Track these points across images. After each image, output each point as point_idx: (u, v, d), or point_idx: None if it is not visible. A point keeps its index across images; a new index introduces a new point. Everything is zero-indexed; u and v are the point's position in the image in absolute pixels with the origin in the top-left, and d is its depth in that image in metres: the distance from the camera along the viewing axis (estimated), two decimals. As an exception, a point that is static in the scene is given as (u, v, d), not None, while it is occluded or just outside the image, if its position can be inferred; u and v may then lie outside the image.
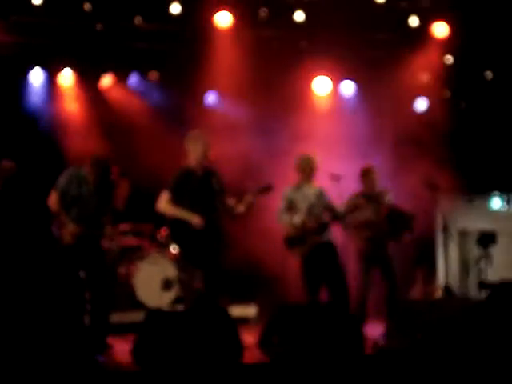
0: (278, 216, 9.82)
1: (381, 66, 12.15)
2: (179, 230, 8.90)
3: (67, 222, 8.86)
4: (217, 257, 8.91)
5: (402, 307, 9.37)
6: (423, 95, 12.68)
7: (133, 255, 11.37)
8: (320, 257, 9.62)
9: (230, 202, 9.01)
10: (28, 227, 9.67)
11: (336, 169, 10.06)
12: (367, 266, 10.22)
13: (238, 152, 11.06)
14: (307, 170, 9.78)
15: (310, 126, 11.79)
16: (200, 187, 8.88)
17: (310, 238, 9.63)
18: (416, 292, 11.58)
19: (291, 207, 9.76)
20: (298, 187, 9.83)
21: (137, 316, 9.56)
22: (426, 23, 11.91)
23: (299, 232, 9.65)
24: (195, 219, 8.74)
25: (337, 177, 9.88)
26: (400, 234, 10.18)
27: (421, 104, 12.72)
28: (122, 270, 11.27)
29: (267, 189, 9.07)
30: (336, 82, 12.75)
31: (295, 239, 9.66)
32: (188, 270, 9.41)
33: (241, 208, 8.99)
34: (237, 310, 10.53)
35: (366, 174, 10.29)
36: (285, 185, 9.93)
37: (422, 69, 12.44)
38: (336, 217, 9.71)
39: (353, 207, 9.90)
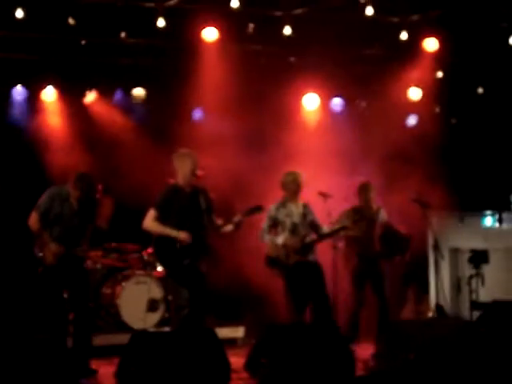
0: (260, 234, 9.72)
1: (370, 82, 12.11)
2: (165, 248, 8.81)
3: (49, 242, 8.69)
4: (203, 275, 8.85)
5: (393, 327, 9.20)
6: (414, 111, 12.56)
7: (118, 275, 11.15)
8: (303, 277, 9.50)
9: (218, 220, 8.97)
10: (9, 248, 9.41)
11: (326, 185, 9.97)
12: (359, 284, 10.13)
13: (227, 168, 10.94)
14: (292, 187, 9.66)
15: (300, 142, 11.69)
16: (188, 205, 8.83)
17: (293, 258, 9.52)
18: (407, 311, 11.47)
19: (275, 225, 9.66)
20: (283, 205, 9.71)
21: (121, 338, 9.33)
22: (416, 38, 11.77)
23: (281, 252, 9.54)
24: (182, 235, 8.69)
25: (326, 195, 9.76)
26: (393, 255, 10.08)
27: (411, 120, 12.61)
28: (106, 290, 11.05)
29: (256, 209, 9.05)
30: (325, 97, 12.67)
31: (277, 259, 9.56)
32: (174, 290, 9.21)
33: (229, 227, 8.97)
34: (224, 331, 10.42)
35: (362, 190, 10.22)
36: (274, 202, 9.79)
37: (413, 84, 12.34)
38: (321, 236, 9.61)
39: (347, 224, 9.79)
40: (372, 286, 10.11)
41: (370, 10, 11.13)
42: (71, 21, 10.93)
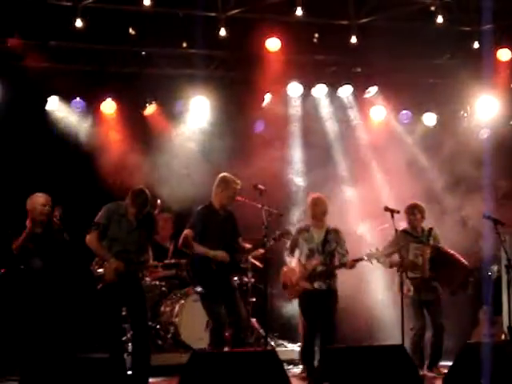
0: (285, 253, 9.69)
1: (440, 92, 11.82)
2: (201, 268, 8.92)
3: (109, 259, 8.48)
4: (234, 291, 9.12)
5: (464, 350, 8.76)
6: (487, 123, 12.12)
7: (176, 293, 10.92)
8: (311, 304, 9.43)
9: (246, 244, 9.19)
10: (67, 268, 9.25)
11: (393, 200, 9.91)
12: (417, 309, 9.79)
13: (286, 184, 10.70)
14: (317, 212, 9.50)
15: (366, 155, 11.55)
16: (221, 227, 9.00)
17: (302, 284, 9.42)
18: (479, 334, 11.02)
19: (295, 247, 9.57)
20: (306, 229, 9.57)
21: (181, 357, 9.16)
22: (489, 47, 11.37)
23: (293, 276, 9.50)
24: (220, 254, 8.86)
25: (392, 211, 9.43)
26: (450, 283, 9.66)
27: (484, 132, 12.17)
28: (165, 308, 10.81)
29: (285, 234, 9.26)
30: (392, 109, 12.34)
31: (287, 283, 9.58)
32: (210, 310, 9.05)
33: (259, 252, 9.32)
34: (286, 352, 10.28)
35: (409, 212, 9.81)
36: None
37: (485, 95, 11.93)
38: (341, 265, 9.46)
39: (395, 248, 9.53)
40: (428, 312, 9.80)
41: (440, 19, 10.82)
42: (132, 31, 10.80)
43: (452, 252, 9.77)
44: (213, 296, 8.95)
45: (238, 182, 9.06)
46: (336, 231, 9.52)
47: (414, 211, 9.84)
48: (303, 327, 9.65)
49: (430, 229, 9.90)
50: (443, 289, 9.86)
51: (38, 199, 8.95)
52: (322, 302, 9.37)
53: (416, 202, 9.93)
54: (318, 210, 9.47)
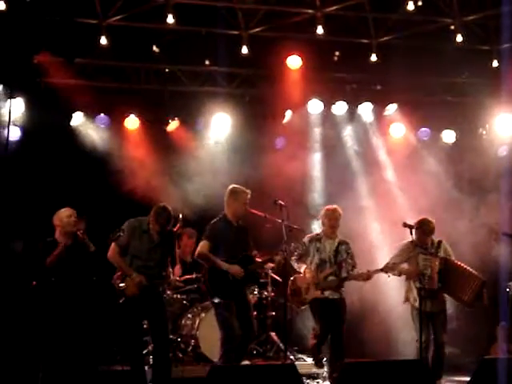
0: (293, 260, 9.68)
1: (460, 110, 11.76)
2: (218, 279, 8.90)
3: (131, 273, 8.60)
4: (249, 305, 9.07)
5: (481, 365, 8.79)
6: (505, 141, 12.15)
7: (197, 306, 10.98)
8: (320, 313, 9.43)
9: (258, 258, 9.16)
10: (92, 280, 9.35)
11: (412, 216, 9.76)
12: (423, 320, 9.50)
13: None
14: (332, 223, 9.55)
15: (385, 172, 11.54)
16: (235, 238, 9.01)
17: (312, 293, 9.45)
18: (496, 350, 11.00)
19: (305, 256, 9.57)
20: (318, 239, 9.62)
21: (201, 370, 9.26)
22: (508, 66, 11.40)
23: (303, 284, 9.51)
24: (235, 268, 8.85)
25: (411, 226, 9.43)
26: (463, 294, 9.64)
27: (503, 150, 12.20)
28: (186, 321, 10.89)
29: (296, 248, 9.24)
30: (412, 127, 12.39)
31: (296, 290, 9.58)
32: (225, 323, 9.07)
33: (269, 265, 9.46)
34: (306, 366, 10.20)
35: (419, 225, 9.81)
36: None
37: (503, 113, 11.97)
38: (341, 279, 9.49)
39: (403, 258, 9.55)
40: (431, 323, 9.65)
41: (459, 38, 10.89)
42: (155, 49, 10.94)
43: (462, 264, 9.75)
44: (228, 307, 8.94)
45: (248, 191, 9.08)
46: (347, 243, 9.61)
47: (422, 226, 9.78)
48: (316, 332, 9.56)
49: (440, 241, 9.84)
50: (457, 301, 9.84)
51: (64, 212, 9.08)
52: (333, 310, 9.41)
53: (424, 218, 9.83)
54: (333, 221, 9.53)
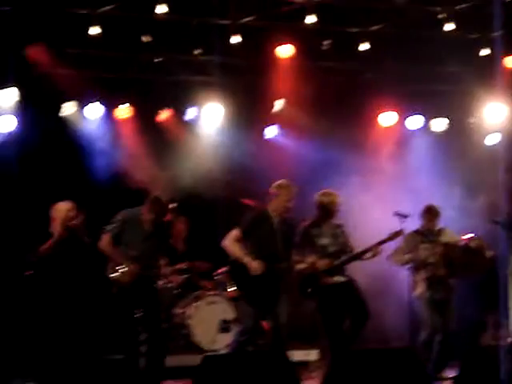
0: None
1: (449, 99, 11.82)
2: (239, 271, 8.82)
3: (124, 262, 8.64)
4: (274, 304, 8.87)
5: (472, 353, 8.85)
6: (495, 129, 12.20)
7: (189, 296, 11.03)
8: (335, 300, 9.29)
9: (295, 257, 9.10)
10: (83, 272, 9.40)
11: (403, 205, 9.78)
12: (431, 310, 9.75)
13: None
14: (328, 207, 9.40)
15: (376, 161, 11.54)
16: (272, 234, 8.85)
17: (322, 280, 9.31)
18: (488, 338, 11.08)
19: (307, 243, 9.38)
20: (317, 224, 9.45)
21: (193, 359, 9.16)
22: (498, 55, 11.43)
23: (309, 272, 9.32)
24: (254, 264, 8.70)
25: (402, 215, 9.53)
26: (474, 271, 9.72)
27: (492, 138, 12.25)
28: (178, 310, 10.93)
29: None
30: (402, 115, 12.42)
31: (306, 281, 9.37)
32: (243, 314, 9.08)
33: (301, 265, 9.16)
34: (297, 354, 10.16)
35: (425, 212, 9.88)
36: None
37: (493, 102, 12.00)
38: (353, 258, 9.40)
39: (405, 250, 9.63)
40: (439, 313, 9.74)
41: (449, 26, 10.90)
42: (146, 38, 10.94)
43: (467, 243, 9.80)
44: (249, 300, 8.91)
45: (294, 188, 8.95)
46: (342, 225, 9.54)
47: (426, 213, 9.90)
48: (322, 326, 9.47)
49: (440, 228, 9.94)
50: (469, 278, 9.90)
51: (64, 206, 9.10)
52: (348, 293, 9.32)
53: (430, 204, 9.96)
54: (333, 206, 9.39)
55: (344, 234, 9.52)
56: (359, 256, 9.41)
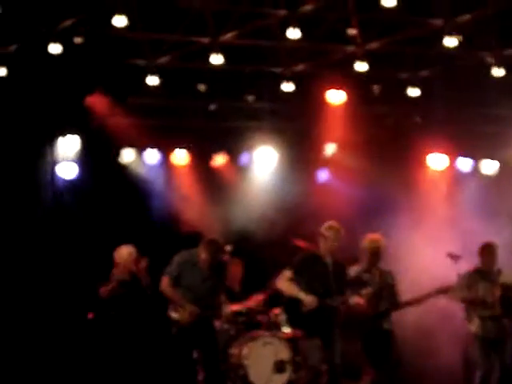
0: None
1: (500, 142, 11.88)
2: (294, 309, 8.86)
3: (184, 304, 8.85)
4: (330, 340, 8.88)
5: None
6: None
7: (245, 336, 11.13)
8: (374, 344, 9.35)
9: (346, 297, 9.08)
10: (144, 314, 9.62)
11: (456, 246, 9.86)
12: (486, 349, 9.68)
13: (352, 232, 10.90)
14: (374, 252, 9.44)
15: (427, 203, 11.58)
16: (325, 274, 8.90)
17: (365, 324, 9.34)
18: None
19: (357, 286, 9.34)
20: (367, 270, 9.50)
21: None
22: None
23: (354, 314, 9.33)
24: (309, 299, 8.72)
25: (455, 257, 9.59)
26: None
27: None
28: (234, 350, 11.04)
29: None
30: (453, 157, 12.52)
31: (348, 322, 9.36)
32: (306, 351, 9.17)
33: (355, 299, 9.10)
34: None
35: (484, 251, 9.90)
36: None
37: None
38: (395, 306, 9.44)
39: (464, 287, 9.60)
40: (494, 352, 9.65)
41: (497, 71, 11.01)
42: (201, 87, 11.24)
43: None
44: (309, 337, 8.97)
45: (340, 228, 8.98)
46: (390, 272, 9.55)
47: (488, 251, 9.80)
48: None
49: (499, 269, 9.83)
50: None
51: (126, 249, 9.35)
52: (384, 342, 9.38)
53: (488, 242, 9.90)
54: (376, 251, 9.42)
55: (392, 280, 9.57)
56: (403, 306, 9.50)
